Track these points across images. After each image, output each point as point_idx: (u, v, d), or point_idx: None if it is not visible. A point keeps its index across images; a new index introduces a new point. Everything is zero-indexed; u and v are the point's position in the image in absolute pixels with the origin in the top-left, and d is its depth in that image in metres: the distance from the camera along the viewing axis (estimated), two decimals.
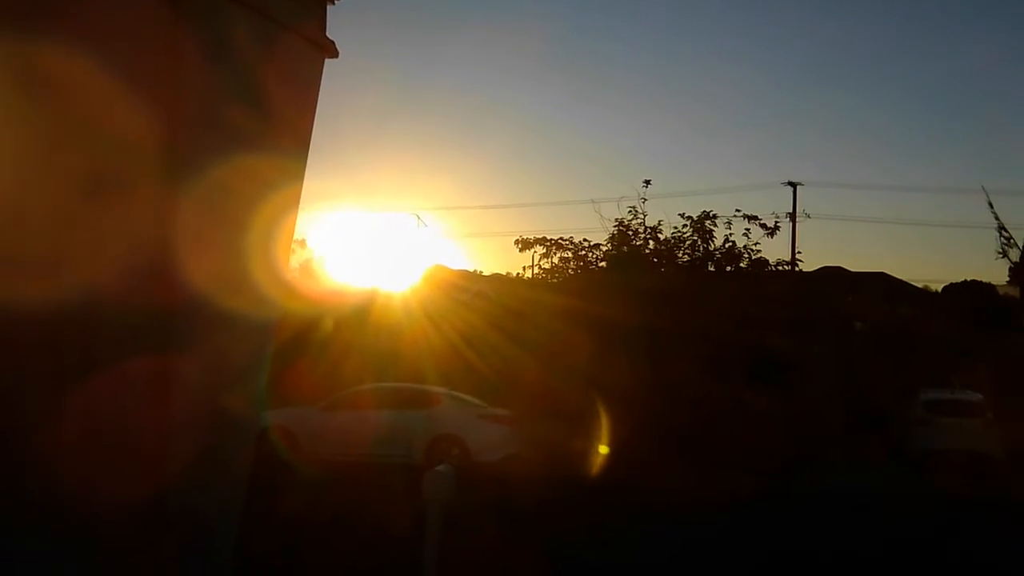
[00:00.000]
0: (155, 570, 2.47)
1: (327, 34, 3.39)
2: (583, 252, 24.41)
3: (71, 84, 2.46)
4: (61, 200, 2.48)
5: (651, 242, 23.99)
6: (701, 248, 23.88)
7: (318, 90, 3.36)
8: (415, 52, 75.38)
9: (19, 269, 2.41)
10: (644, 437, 18.88)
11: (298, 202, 3.42)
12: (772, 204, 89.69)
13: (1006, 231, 30.22)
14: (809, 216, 42.73)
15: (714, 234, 23.77)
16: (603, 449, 19.18)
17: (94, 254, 2.48)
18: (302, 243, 37.88)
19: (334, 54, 3.37)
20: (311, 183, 3.70)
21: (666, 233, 23.95)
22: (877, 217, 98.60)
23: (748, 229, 23.58)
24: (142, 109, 2.57)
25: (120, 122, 2.53)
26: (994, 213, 30.92)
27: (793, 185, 43.38)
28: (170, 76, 2.63)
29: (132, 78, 2.54)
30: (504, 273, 35.00)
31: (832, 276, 43.91)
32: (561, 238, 24.59)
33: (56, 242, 2.49)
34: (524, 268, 27.61)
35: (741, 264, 23.88)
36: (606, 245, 24.12)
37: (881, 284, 46.31)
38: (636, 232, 23.91)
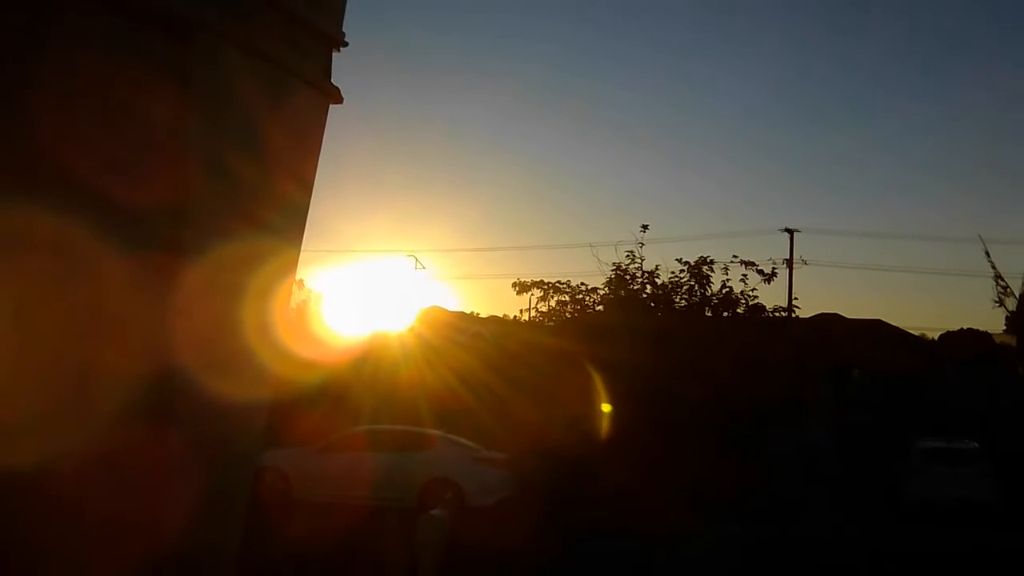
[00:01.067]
0: None
1: (332, 80, 3.44)
2: (580, 295, 24.44)
3: (68, 143, 2.48)
4: (56, 244, 2.50)
5: (648, 287, 24.05)
6: (698, 293, 23.94)
7: (322, 135, 3.39)
8: (413, 96, 76.04)
9: (11, 338, 2.39)
10: (641, 479, 18.77)
11: (300, 245, 3.45)
12: (769, 250, 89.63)
13: (1003, 280, 30.37)
14: (806, 263, 42.78)
15: (711, 279, 23.86)
16: (598, 490, 19.06)
17: (91, 311, 2.50)
18: (300, 283, 37.93)
19: (339, 100, 3.41)
20: (309, 223, 3.73)
21: (663, 278, 24.04)
22: (874, 264, 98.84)
23: (745, 275, 23.69)
24: (143, 163, 2.60)
25: (119, 179, 2.56)
26: (991, 262, 31.09)
27: (790, 232, 43.57)
28: (175, 122, 2.66)
29: (132, 132, 2.57)
30: (501, 315, 35.03)
31: (829, 323, 43.95)
32: (558, 281, 24.66)
33: (48, 306, 2.49)
34: (521, 311, 27.61)
35: (738, 310, 23.91)
36: (603, 289, 24.18)
37: (878, 331, 46.34)
38: (633, 276, 23.98)
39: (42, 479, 2.36)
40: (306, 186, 3.26)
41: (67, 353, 2.44)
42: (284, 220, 3.15)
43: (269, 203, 3.02)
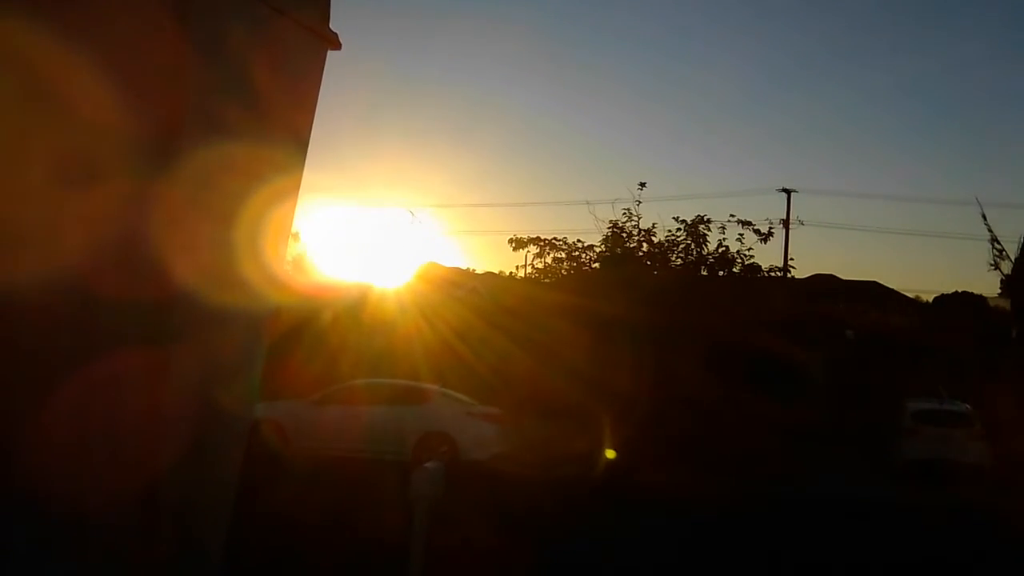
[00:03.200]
0: (147, 561, 2.46)
1: (330, 26, 3.36)
2: (577, 253, 24.43)
3: (68, 77, 2.44)
4: (55, 194, 2.46)
5: (645, 245, 24.03)
6: (694, 252, 23.92)
7: (319, 83, 3.33)
8: (411, 47, 75.31)
9: (12, 263, 2.39)
10: (637, 436, 18.90)
11: (296, 196, 3.40)
12: (766, 210, 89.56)
13: (998, 243, 30.32)
14: (803, 223, 42.72)
15: (708, 238, 23.84)
16: (595, 448, 19.18)
17: (88, 249, 2.47)
18: (296, 236, 37.81)
19: (337, 46, 3.33)
20: (305, 175, 3.67)
21: (660, 236, 24.01)
22: (871, 226, 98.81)
23: (742, 234, 23.67)
24: (141, 99, 2.55)
25: (117, 114, 2.51)
26: (987, 225, 31.02)
27: (788, 192, 43.46)
28: (170, 66, 2.61)
29: (131, 69, 2.53)
30: (497, 272, 35.01)
31: (824, 283, 44.04)
32: (555, 238, 24.64)
33: (49, 236, 2.47)
34: (517, 267, 27.63)
35: (734, 269, 23.93)
36: (600, 246, 24.16)
37: (872, 293, 46.47)
38: (630, 234, 23.95)
39: (41, 402, 2.35)
40: (302, 134, 3.21)
41: (66, 275, 2.42)
42: (279, 168, 3.10)
43: (265, 150, 2.97)
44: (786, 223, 39.91)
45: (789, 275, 29.17)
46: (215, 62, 2.73)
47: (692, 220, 23.80)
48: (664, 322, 20.50)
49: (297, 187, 3.37)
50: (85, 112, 2.44)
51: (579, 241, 24.54)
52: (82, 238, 2.47)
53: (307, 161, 3.46)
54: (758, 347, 22.76)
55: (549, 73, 79.60)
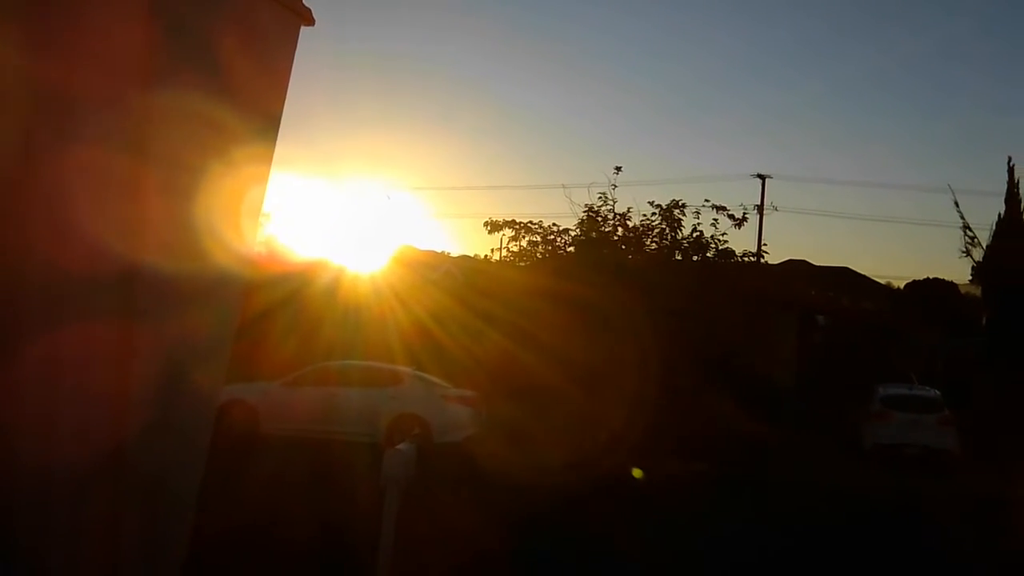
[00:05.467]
0: (114, 538, 2.44)
1: (304, 1, 3.31)
2: (552, 236, 24.41)
3: (30, 50, 2.39)
4: (16, 169, 2.42)
5: (620, 229, 24.03)
6: (669, 236, 23.96)
7: (292, 60, 3.28)
8: (386, 27, 74.83)
9: None
10: (609, 417, 18.96)
11: (268, 174, 3.36)
12: (741, 196, 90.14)
13: (970, 230, 30.65)
14: (776, 209, 43.04)
15: (682, 223, 23.88)
16: (569, 430, 19.24)
17: (55, 222, 2.43)
18: (267, 216, 37.47)
19: (310, 22, 3.27)
20: (277, 155, 3.62)
21: (635, 221, 24.02)
22: (843, 212, 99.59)
23: (716, 219, 23.72)
24: (107, 74, 2.50)
25: (82, 89, 2.46)
26: (959, 212, 31.38)
27: (762, 177, 43.69)
28: (136, 40, 2.56)
29: (96, 43, 2.48)
30: (472, 255, 34.92)
31: (796, 269, 44.32)
32: (530, 222, 24.57)
33: (11, 210, 2.42)
34: (492, 250, 27.49)
35: (708, 254, 24.00)
36: (575, 230, 24.14)
37: (844, 278, 46.82)
38: (605, 218, 23.94)
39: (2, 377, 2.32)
40: (273, 113, 3.17)
41: (35, 248, 2.38)
42: (251, 146, 3.06)
43: (235, 128, 2.93)
44: (760, 209, 40.08)
45: (762, 260, 29.29)
46: (183, 37, 2.68)
47: (667, 205, 23.86)
48: (638, 305, 20.54)
49: (268, 165, 3.33)
50: (49, 86, 2.39)
51: (554, 225, 24.54)
52: (44, 212, 2.43)
53: (279, 140, 3.42)
54: (730, 332, 22.88)
55: (526, 57, 79.41)
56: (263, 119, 3.18)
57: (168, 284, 2.68)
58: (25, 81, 2.35)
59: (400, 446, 8.45)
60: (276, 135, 3.33)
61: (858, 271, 49.90)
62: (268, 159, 3.28)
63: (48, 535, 2.36)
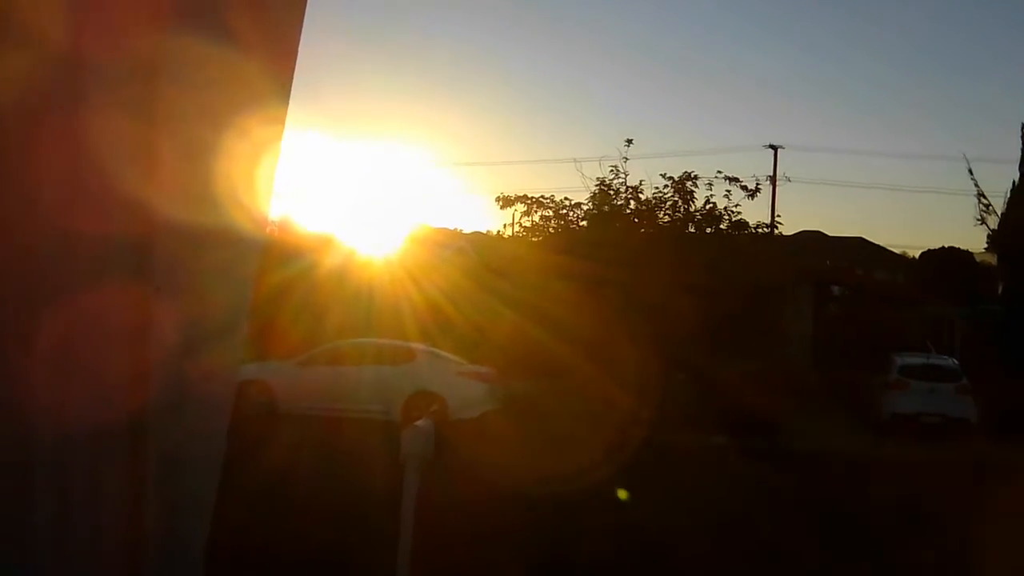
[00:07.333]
0: (135, 510, 2.40)
1: None
2: (564, 211, 24.30)
3: (41, 11, 2.34)
4: (29, 129, 2.37)
5: (632, 202, 23.91)
6: (682, 209, 23.84)
7: (301, 27, 3.21)
8: (397, 4, 74.44)
9: None
10: (624, 393, 18.93)
11: (279, 144, 3.30)
12: (753, 167, 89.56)
13: (985, 198, 30.47)
14: (789, 180, 42.80)
15: (695, 195, 23.74)
16: (586, 406, 19.23)
17: (67, 184, 2.38)
18: (281, 194, 37.47)
19: None
20: (289, 129, 3.56)
21: (647, 194, 23.88)
22: (857, 182, 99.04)
23: (729, 191, 23.56)
24: (116, 36, 2.44)
25: (92, 51, 2.41)
26: (974, 180, 31.21)
27: (774, 148, 43.41)
28: (145, 3, 2.50)
29: (106, 4, 2.42)
30: (484, 231, 34.86)
31: (811, 240, 44.17)
32: (542, 196, 24.44)
33: (24, 170, 2.37)
34: (504, 226, 27.41)
35: (721, 226, 23.87)
36: (587, 204, 24.03)
37: (859, 249, 46.64)
38: (617, 192, 23.82)
39: (20, 338, 2.28)
40: (284, 77, 3.10)
41: (42, 209, 2.34)
42: (261, 113, 2.99)
43: (243, 96, 2.86)
44: (773, 180, 39.95)
45: (776, 232, 29.16)
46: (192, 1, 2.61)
47: (679, 177, 23.70)
48: (652, 280, 20.45)
49: (280, 135, 3.26)
50: (60, 47, 2.33)
51: (566, 199, 24.42)
52: (58, 172, 2.38)
53: (290, 119, 3.35)
54: (745, 304, 22.78)
55: (536, 30, 78.99)
56: (273, 83, 3.11)
57: (181, 249, 2.63)
58: (35, 40, 2.29)
59: (419, 423, 8.43)
60: (287, 101, 3.25)
61: (873, 241, 49.71)
62: (280, 126, 3.22)
63: (68, 512, 2.33)
